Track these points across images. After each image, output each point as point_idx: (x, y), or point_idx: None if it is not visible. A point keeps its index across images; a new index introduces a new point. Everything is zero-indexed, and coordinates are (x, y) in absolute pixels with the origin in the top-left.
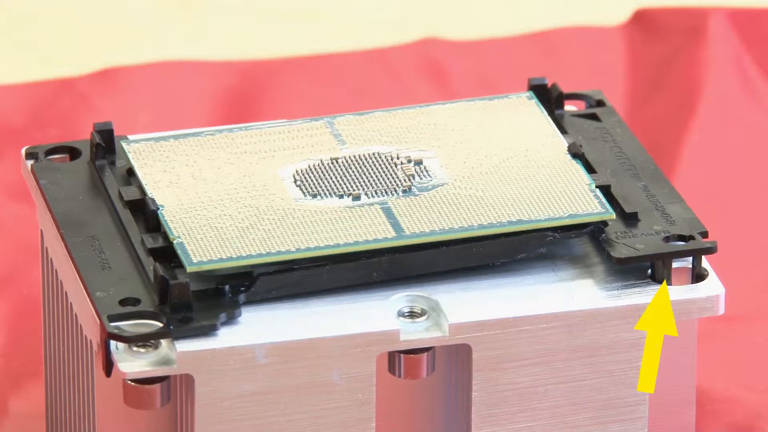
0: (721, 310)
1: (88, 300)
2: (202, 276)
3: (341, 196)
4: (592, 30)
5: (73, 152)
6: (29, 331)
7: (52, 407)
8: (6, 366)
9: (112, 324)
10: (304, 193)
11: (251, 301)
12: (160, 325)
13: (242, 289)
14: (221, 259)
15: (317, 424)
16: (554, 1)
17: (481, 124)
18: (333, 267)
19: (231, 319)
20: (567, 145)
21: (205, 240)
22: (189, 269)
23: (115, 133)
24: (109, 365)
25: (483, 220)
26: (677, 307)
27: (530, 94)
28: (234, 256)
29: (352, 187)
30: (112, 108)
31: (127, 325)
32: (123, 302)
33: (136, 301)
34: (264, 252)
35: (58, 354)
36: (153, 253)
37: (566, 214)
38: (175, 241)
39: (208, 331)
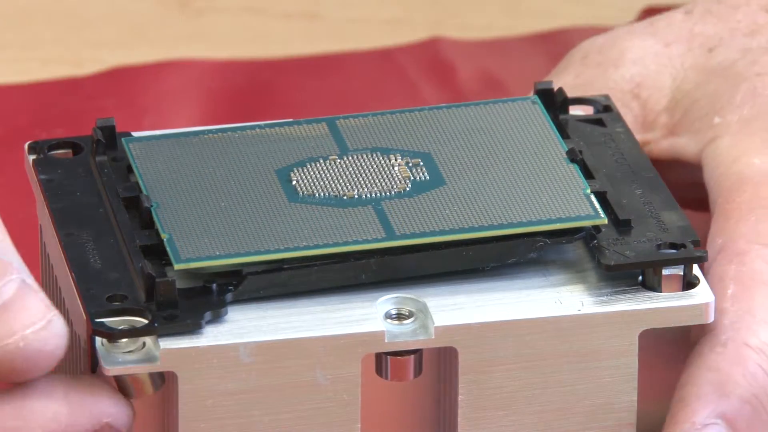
0: (711, 319)
1: (77, 295)
2: (190, 274)
3: (336, 197)
4: (599, 30)
5: (76, 147)
6: None
7: None
8: None
9: (97, 320)
10: (299, 193)
11: (238, 301)
12: (145, 321)
13: (230, 288)
14: (209, 257)
15: (301, 424)
16: (562, 1)
17: (483, 128)
18: (321, 267)
19: (217, 318)
20: (566, 150)
21: (195, 237)
22: (176, 267)
23: (121, 132)
24: (94, 361)
25: (474, 222)
26: (665, 315)
27: (535, 98)
28: (222, 254)
29: (348, 188)
30: (118, 107)
31: (112, 321)
32: (110, 299)
33: (122, 298)
34: (252, 250)
35: None
36: (144, 250)
37: (556, 217)
38: (165, 239)
39: (193, 329)
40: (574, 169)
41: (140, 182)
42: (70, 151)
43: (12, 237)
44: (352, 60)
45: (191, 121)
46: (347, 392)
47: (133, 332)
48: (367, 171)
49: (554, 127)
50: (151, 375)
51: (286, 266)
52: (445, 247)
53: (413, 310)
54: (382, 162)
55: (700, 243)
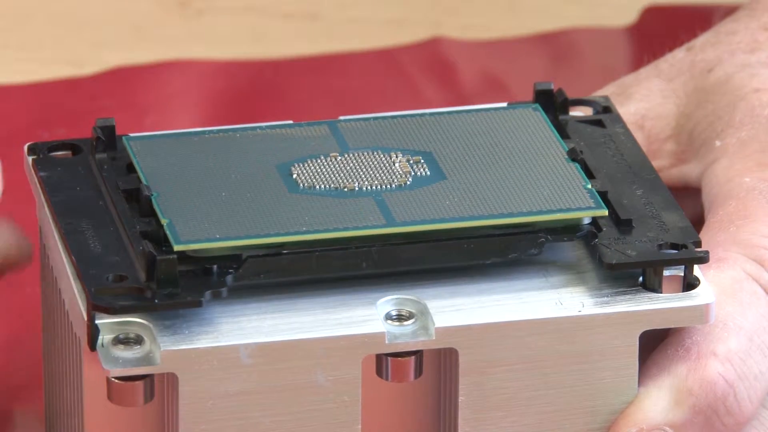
0: (711, 320)
1: (78, 279)
2: (190, 258)
3: (337, 189)
4: (602, 30)
5: (75, 149)
6: (31, 331)
7: (50, 407)
8: (7, 366)
9: (98, 296)
10: (299, 184)
11: (238, 298)
12: (146, 299)
13: (230, 271)
14: (209, 239)
15: (302, 425)
16: (562, 1)
17: (484, 129)
18: (322, 254)
19: (216, 298)
20: (566, 150)
21: (195, 222)
22: (176, 247)
23: (122, 132)
24: (93, 340)
25: (475, 212)
26: (666, 316)
27: (536, 105)
28: (222, 236)
29: (348, 180)
30: (119, 107)
31: (112, 295)
32: (110, 279)
33: (122, 278)
34: (253, 234)
35: (53, 352)
36: (144, 236)
37: (557, 208)
38: (165, 224)
39: (193, 306)
40: (575, 167)
41: (141, 175)
42: (69, 152)
43: None
44: (352, 60)
45: (192, 121)
46: (348, 393)
47: (135, 308)
48: (368, 166)
49: (555, 132)
50: (144, 385)
51: (286, 251)
52: (446, 236)
53: (413, 311)
54: (383, 158)
55: (701, 244)
